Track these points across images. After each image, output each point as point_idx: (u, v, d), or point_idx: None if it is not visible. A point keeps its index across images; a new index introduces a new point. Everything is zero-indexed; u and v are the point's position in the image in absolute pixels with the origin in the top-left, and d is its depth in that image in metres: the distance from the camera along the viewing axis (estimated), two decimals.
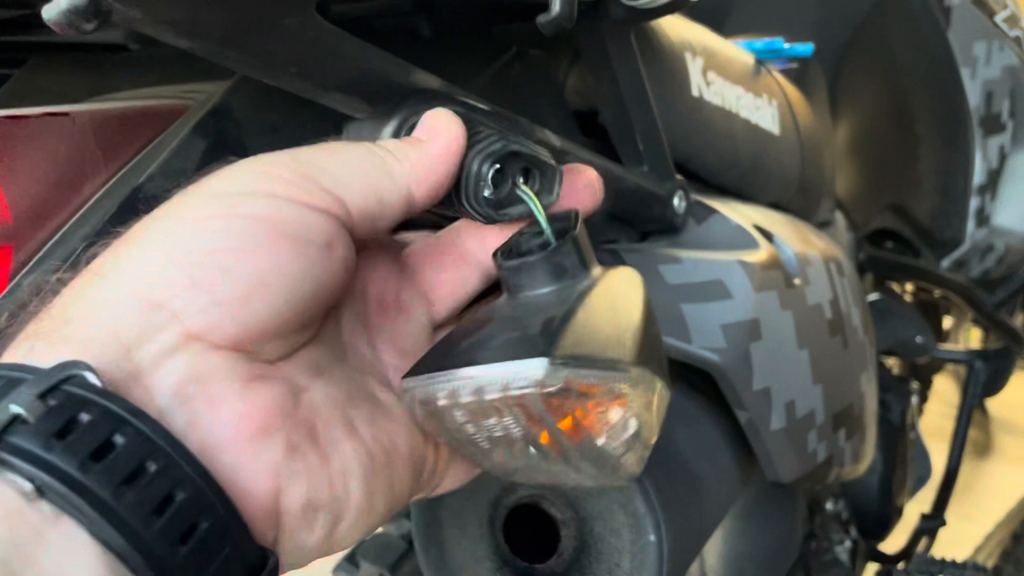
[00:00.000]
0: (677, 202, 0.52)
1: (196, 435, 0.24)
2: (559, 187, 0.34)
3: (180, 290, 0.24)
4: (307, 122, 0.41)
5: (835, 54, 1.12)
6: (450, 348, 0.29)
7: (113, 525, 0.20)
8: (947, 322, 1.64)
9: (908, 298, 1.38)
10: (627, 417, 0.28)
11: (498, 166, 0.32)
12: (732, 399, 0.47)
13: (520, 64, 0.52)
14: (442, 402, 0.27)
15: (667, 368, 0.32)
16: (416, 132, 0.31)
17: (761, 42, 0.71)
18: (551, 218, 0.33)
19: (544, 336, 0.26)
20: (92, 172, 0.39)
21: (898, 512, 1.13)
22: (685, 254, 0.50)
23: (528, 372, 0.25)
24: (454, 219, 0.36)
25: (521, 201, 0.33)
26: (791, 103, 0.74)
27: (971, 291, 1.15)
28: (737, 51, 0.67)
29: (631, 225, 0.55)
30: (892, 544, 1.18)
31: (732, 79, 0.62)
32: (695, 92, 0.57)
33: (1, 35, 0.54)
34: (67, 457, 0.21)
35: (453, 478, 0.33)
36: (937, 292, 1.31)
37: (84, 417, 0.21)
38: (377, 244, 0.34)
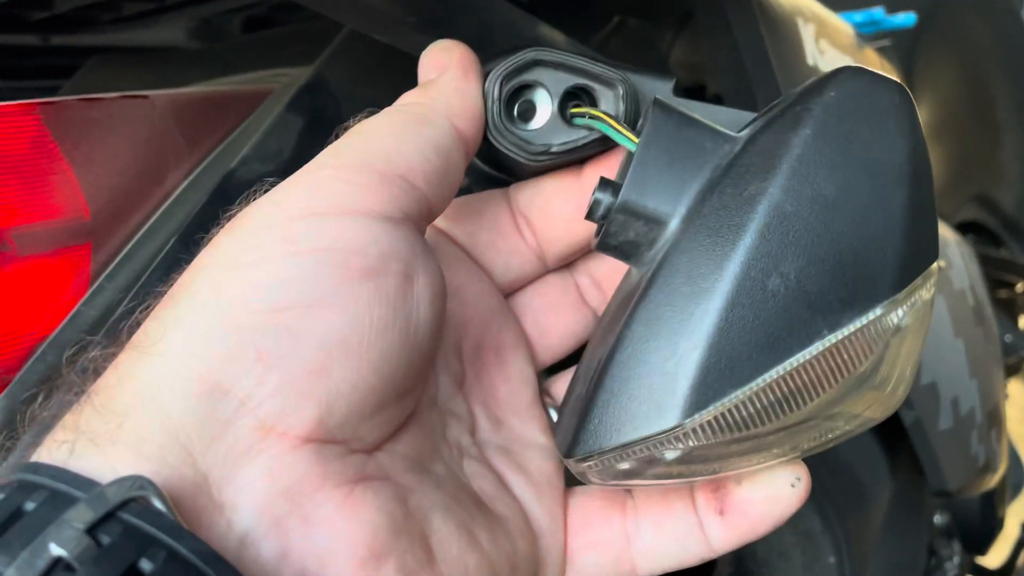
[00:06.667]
0: None
1: (291, 572, 0.18)
2: (625, 103, 0.27)
3: (245, 367, 0.19)
4: None
5: (907, 38, 1.07)
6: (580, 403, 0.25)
7: None
8: (1021, 322, 1.57)
9: None
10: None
11: (513, 83, 0.27)
12: None
13: (622, 35, 0.47)
14: (599, 479, 0.24)
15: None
16: (421, 73, 0.27)
17: (859, 12, 0.66)
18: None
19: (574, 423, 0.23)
20: (175, 160, 0.34)
21: (1000, 523, 1.05)
22: None
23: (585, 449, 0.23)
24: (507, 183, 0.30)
25: (582, 128, 0.27)
26: None
27: None
28: (839, 20, 0.61)
29: None
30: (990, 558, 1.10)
31: (842, 49, 0.57)
32: (810, 61, 0.52)
33: (56, 36, 0.51)
34: None
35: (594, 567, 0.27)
36: (1020, 287, 1.24)
37: (146, 566, 0.16)
38: (468, 273, 0.29)
